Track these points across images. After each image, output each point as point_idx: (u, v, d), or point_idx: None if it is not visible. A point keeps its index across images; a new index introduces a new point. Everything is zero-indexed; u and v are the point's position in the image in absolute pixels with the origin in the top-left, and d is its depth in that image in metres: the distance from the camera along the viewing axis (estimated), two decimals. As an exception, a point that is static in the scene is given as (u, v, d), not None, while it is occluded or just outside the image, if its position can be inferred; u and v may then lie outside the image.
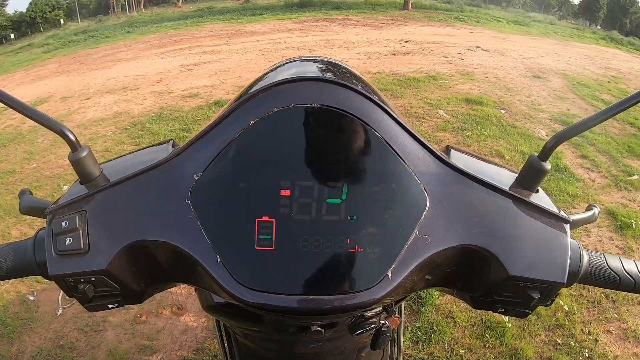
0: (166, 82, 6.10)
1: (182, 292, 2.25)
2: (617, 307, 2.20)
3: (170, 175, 0.46)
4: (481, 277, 0.47)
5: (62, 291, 0.46)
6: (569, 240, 0.46)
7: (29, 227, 2.81)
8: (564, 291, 2.21)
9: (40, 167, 3.74)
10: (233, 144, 0.44)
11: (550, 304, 0.48)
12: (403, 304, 0.97)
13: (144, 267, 0.47)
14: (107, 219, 0.45)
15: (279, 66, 0.55)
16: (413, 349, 1.92)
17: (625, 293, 2.21)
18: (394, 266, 0.42)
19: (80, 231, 0.44)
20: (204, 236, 0.43)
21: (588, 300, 2.24)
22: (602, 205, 3.02)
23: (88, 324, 2.08)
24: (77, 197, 0.46)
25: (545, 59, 7.77)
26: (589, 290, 2.29)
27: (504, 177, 0.49)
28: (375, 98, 0.45)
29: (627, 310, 2.19)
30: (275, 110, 0.44)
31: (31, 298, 2.26)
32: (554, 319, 2.11)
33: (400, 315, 1.01)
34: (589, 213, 0.56)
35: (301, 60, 0.56)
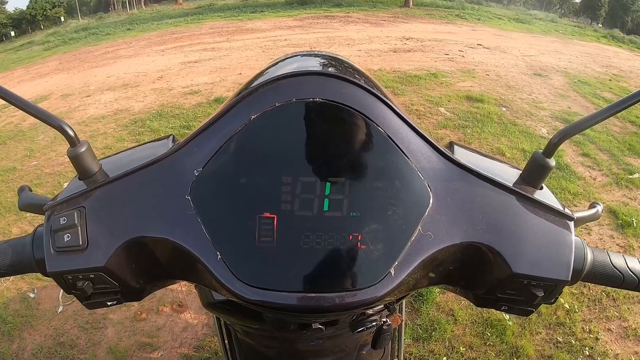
0: (167, 79, 6.09)
1: (182, 289, 2.25)
2: (618, 306, 2.20)
3: (169, 171, 0.45)
4: (485, 275, 0.46)
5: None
6: (574, 237, 0.45)
7: (29, 225, 2.81)
8: (565, 289, 2.21)
9: (40, 164, 3.74)
10: (234, 139, 0.43)
11: (554, 302, 0.48)
12: (404, 301, 0.97)
13: (143, 264, 0.46)
14: (106, 215, 0.44)
15: (280, 61, 0.55)
16: (414, 346, 1.92)
17: (626, 291, 2.21)
18: (396, 263, 0.42)
19: (79, 227, 0.43)
20: (204, 233, 0.42)
21: (589, 299, 2.23)
22: (603, 203, 3.00)
23: (88, 321, 2.08)
24: (76, 193, 0.45)
25: (547, 57, 7.75)
26: (589, 288, 2.29)
27: (508, 174, 0.49)
28: (378, 93, 0.45)
29: (628, 308, 2.19)
30: (276, 104, 0.43)
31: (32, 295, 2.26)
32: (554, 317, 2.11)
33: (402, 313, 1.01)
34: (593, 210, 0.56)
35: (303, 55, 0.56)
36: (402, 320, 0.92)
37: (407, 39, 8.52)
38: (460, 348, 1.92)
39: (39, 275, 0.46)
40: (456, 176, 0.46)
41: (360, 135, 0.43)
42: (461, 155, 0.49)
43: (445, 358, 1.87)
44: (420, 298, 2.16)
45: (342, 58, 0.57)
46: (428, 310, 2.10)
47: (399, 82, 5.35)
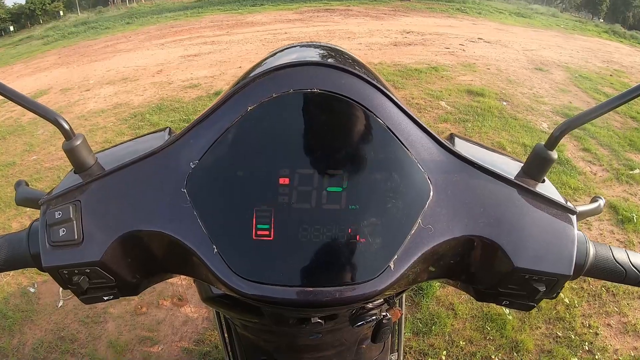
0: (166, 73, 6.07)
1: (182, 282, 2.25)
2: (618, 301, 2.20)
3: (165, 164, 0.44)
4: (486, 269, 0.46)
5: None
6: (576, 231, 0.45)
7: (29, 220, 2.81)
8: (565, 284, 2.20)
9: (40, 159, 3.73)
10: (230, 131, 0.42)
11: (555, 297, 0.47)
12: (404, 295, 0.97)
13: (139, 258, 0.46)
14: (102, 209, 0.44)
15: (278, 52, 0.54)
16: (414, 340, 1.92)
17: (625, 287, 2.21)
18: (396, 257, 0.41)
19: (74, 221, 0.43)
20: (200, 226, 0.42)
21: (589, 294, 2.23)
22: (604, 198, 3.01)
23: (89, 315, 2.09)
24: (71, 187, 0.45)
25: (548, 52, 7.71)
26: (589, 283, 2.29)
27: (510, 166, 0.48)
28: (377, 84, 0.44)
29: (628, 304, 2.19)
30: (273, 95, 0.42)
31: (32, 290, 2.26)
32: (554, 311, 2.11)
33: (401, 307, 1.01)
34: (595, 205, 0.55)
35: (301, 46, 0.55)
36: (402, 314, 0.92)
37: (408, 33, 8.47)
38: (460, 342, 1.92)
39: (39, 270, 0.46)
40: (457, 168, 0.45)
41: (359, 127, 0.42)
42: (462, 147, 0.49)
43: (445, 352, 1.87)
44: (420, 292, 2.16)
45: (341, 49, 0.56)
46: (428, 304, 2.11)
47: (400, 76, 5.33)
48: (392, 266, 0.41)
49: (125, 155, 0.47)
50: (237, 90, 0.44)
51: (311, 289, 0.40)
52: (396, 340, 0.98)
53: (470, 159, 0.45)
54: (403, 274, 0.41)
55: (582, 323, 2.06)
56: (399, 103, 0.44)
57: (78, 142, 0.45)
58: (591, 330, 2.03)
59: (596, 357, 1.90)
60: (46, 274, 0.44)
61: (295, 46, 0.55)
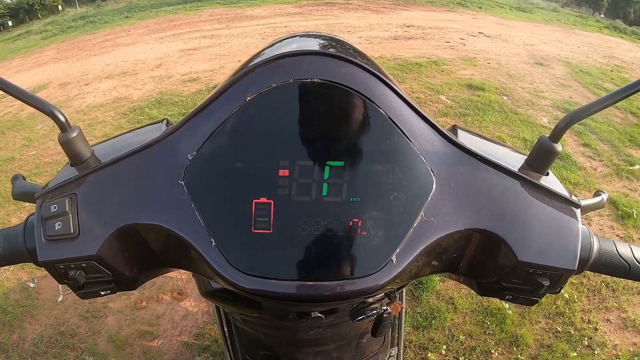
0: (165, 67, 6.04)
1: (182, 277, 2.25)
2: (617, 297, 2.20)
3: (162, 155, 0.44)
4: (489, 263, 0.45)
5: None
6: (580, 225, 0.44)
7: (29, 214, 2.80)
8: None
9: (39, 153, 3.72)
10: (229, 121, 0.42)
11: (559, 292, 0.47)
12: (404, 289, 0.96)
13: (137, 252, 0.45)
14: (98, 202, 0.43)
15: (278, 41, 0.53)
16: (414, 334, 1.92)
17: (625, 282, 2.20)
18: (398, 250, 0.40)
19: (70, 215, 0.42)
20: (198, 219, 0.41)
21: (588, 289, 2.23)
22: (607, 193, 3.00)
23: (89, 310, 2.09)
24: (67, 180, 0.44)
25: (548, 46, 7.67)
26: (589, 278, 2.29)
27: (513, 159, 0.47)
28: (379, 73, 0.43)
29: (627, 299, 2.19)
30: (273, 85, 0.41)
31: (32, 285, 2.26)
32: (554, 306, 2.11)
33: (402, 301, 1.00)
34: (598, 199, 0.54)
35: (302, 36, 0.54)
36: (402, 308, 0.92)
37: (408, 27, 8.43)
38: (460, 336, 1.92)
39: (39, 264, 0.45)
40: (460, 160, 0.44)
41: (360, 117, 0.42)
42: (465, 139, 0.48)
43: (445, 346, 1.87)
44: (420, 286, 2.16)
45: (341, 39, 0.55)
46: (428, 298, 2.11)
47: (400, 70, 5.30)
48: (394, 260, 0.40)
49: (122, 147, 0.46)
50: (235, 80, 0.43)
51: (311, 283, 0.39)
52: (396, 334, 0.98)
53: (473, 150, 0.44)
54: (405, 267, 0.40)
55: (582, 318, 2.07)
56: (401, 94, 0.43)
57: (74, 135, 0.44)
58: (591, 326, 2.03)
59: (595, 352, 1.90)
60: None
61: (295, 36, 0.54)
